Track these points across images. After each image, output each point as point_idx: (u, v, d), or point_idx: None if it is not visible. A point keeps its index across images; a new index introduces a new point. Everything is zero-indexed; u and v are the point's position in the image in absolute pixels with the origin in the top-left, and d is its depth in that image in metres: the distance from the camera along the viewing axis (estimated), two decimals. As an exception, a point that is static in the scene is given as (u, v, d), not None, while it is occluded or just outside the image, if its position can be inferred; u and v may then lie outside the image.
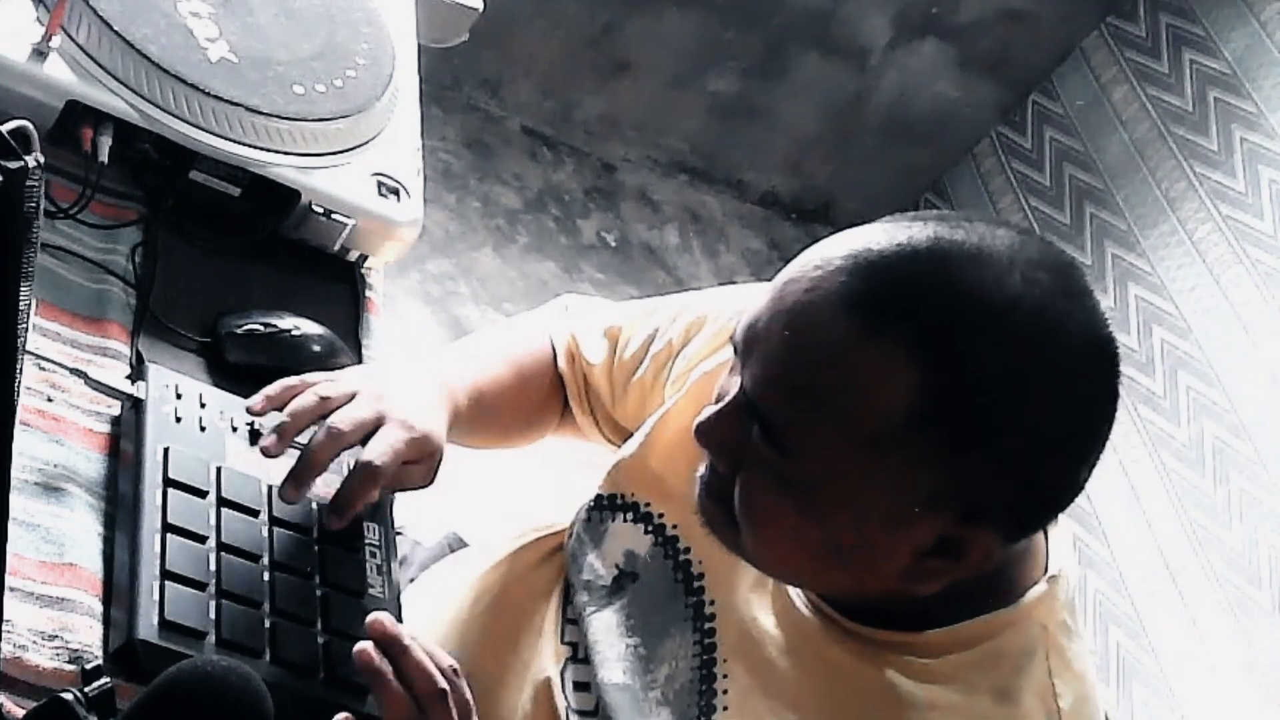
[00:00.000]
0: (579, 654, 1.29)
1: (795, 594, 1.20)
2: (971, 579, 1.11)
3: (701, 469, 1.16)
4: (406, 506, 1.39)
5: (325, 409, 1.27)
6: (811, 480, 1.07)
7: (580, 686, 1.28)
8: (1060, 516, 1.19)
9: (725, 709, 1.19)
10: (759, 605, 1.21)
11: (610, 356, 1.43)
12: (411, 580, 1.50)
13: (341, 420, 1.26)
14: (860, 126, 3.60)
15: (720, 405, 1.12)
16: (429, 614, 1.35)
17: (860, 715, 1.14)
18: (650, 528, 1.30)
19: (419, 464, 1.29)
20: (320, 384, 1.29)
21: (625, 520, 1.32)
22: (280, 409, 1.27)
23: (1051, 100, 3.46)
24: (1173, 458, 2.88)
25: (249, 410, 1.28)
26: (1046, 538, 1.18)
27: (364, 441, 1.26)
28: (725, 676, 1.20)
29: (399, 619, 1.25)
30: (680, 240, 3.49)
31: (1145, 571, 2.86)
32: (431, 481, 1.31)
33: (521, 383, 1.44)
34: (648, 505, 1.31)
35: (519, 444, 1.51)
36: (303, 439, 1.26)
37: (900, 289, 1.04)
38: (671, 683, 1.22)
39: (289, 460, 1.29)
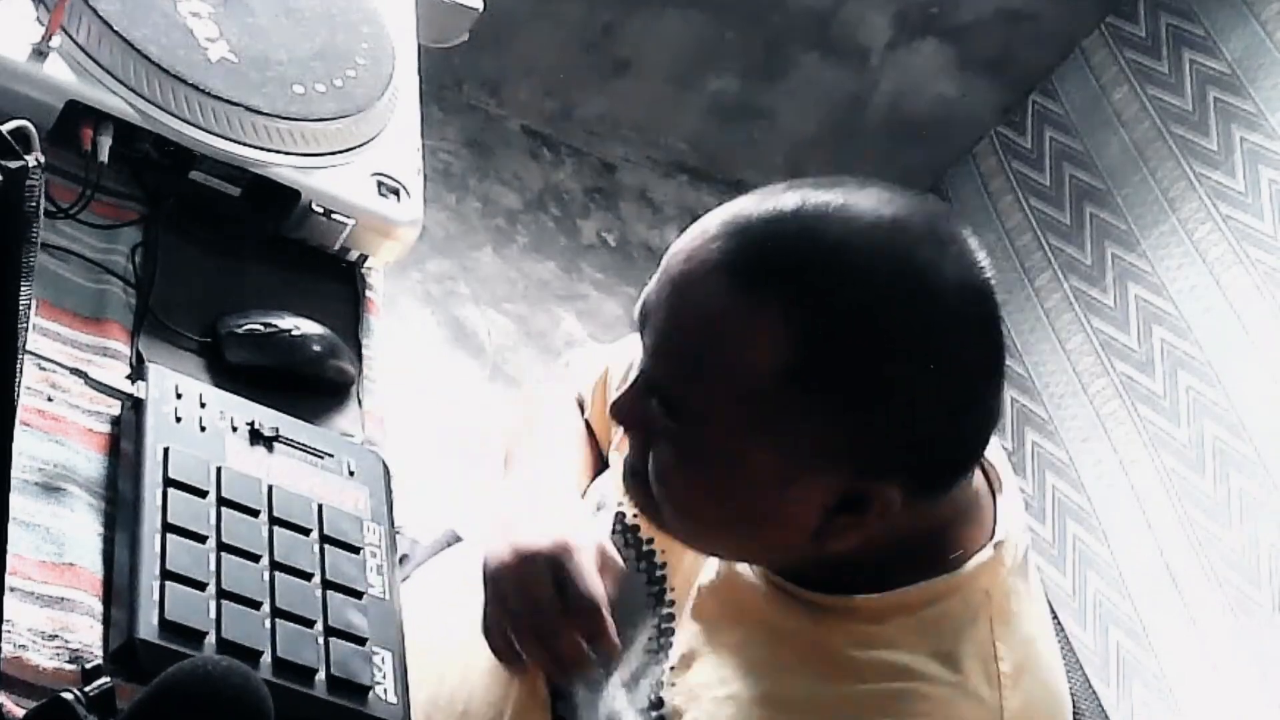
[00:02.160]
0: None
1: (745, 564, 1.21)
2: (912, 545, 1.13)
3: (625, 453, 1.18)
4: (406, 506, 1.39)
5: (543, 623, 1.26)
6: (707, 446, 1.10)
7: None
8: (1009, 483, 1.21)
9: (673, 684, 1.19)
10: (708, 579, 1.23)
11: (601, 400, 1.45)
12: (405, 579, 1.50)
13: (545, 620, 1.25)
14: (860, 126, 3.60)
15: (627, 383, 1.15)
16: (422, 606, 1.35)
17: (806, 681, 1.15)
18: (615, 519, 1.31)
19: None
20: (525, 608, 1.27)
21: (599, 513, 1.33)
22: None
23: (1051, 100, 3.46)
24: (1173, 458, 2.88)
25: None
26: (995, 504, 1.19)
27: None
28: (681, 654, 1.21)
29: (399, 620, 1.25)
30: (680, 240, 3.48)
31: (1145, 571, 2.86)
32: None
33: (590, 446, 1.46)
34: (616, 499, 1.32)
35: None
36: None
37: (768, 249, 1.07)
38: (629, 666, 1.23)
39: (289, 461, 1.29)
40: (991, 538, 1.16)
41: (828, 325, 1.05)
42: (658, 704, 1.19)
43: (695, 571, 1.25)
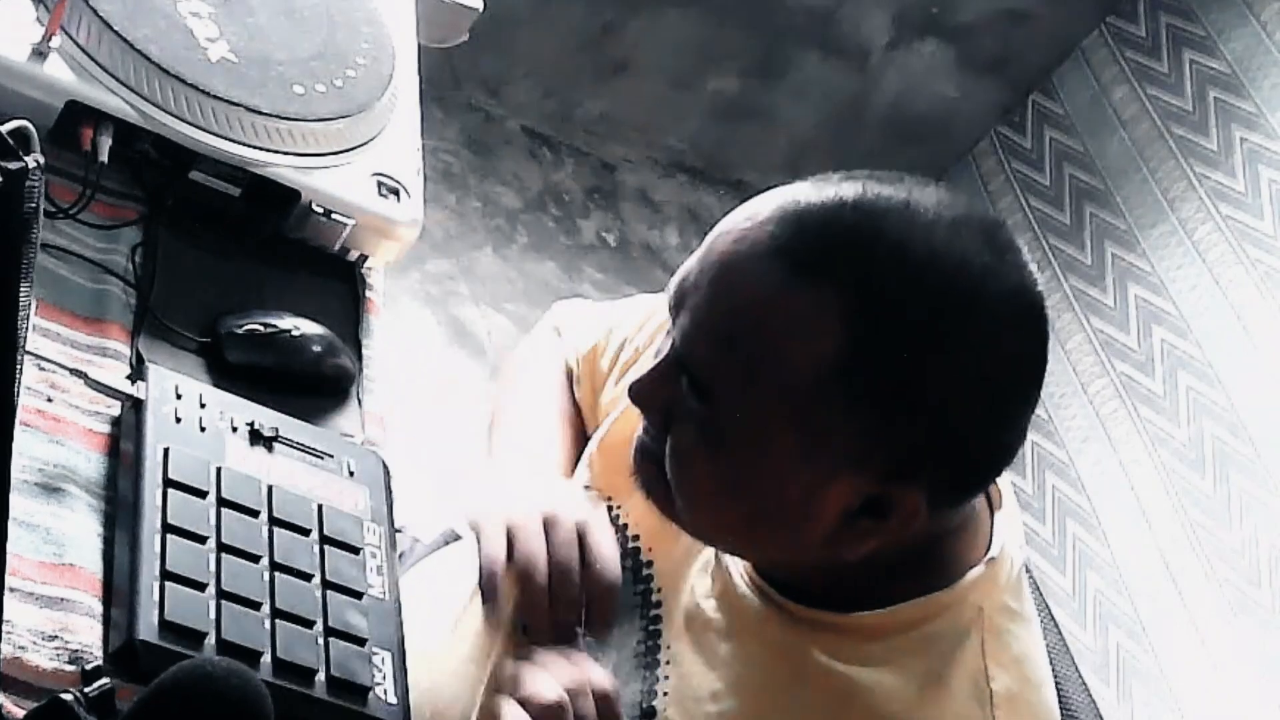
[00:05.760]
0: None
1: (738, 576, 1.19)
2: (908, 558, 1.11)
3: (638, 432, 1.16)
4: (406, 504, 1.39)
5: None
6: (736, 432, 1.07)
7: None
8: (1008, 499, 1.19)
9: (666, 694, 1.18)
10: (702, 590, 1.21)
11: (589, 379, 1.44)
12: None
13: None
14: (860, 126, 3.60)
15: (653, 362, 1.12)
16: (415, 608, 1.35)
17: (796, 697, 1.14)
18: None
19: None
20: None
21: None
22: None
23: (1051, 100, 3.46)
24: (1173, 458, 2.88)
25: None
26: (992, 520, 1.17)
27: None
28: (668, 663, 1.20)
29: (399, 620, 1.25)
30: (680, 240, 3.49)
31: (1145, 571, 2.86)
32: None
33: (577, 429, 1.45)
34: (605, 497, 1.31)
35: None
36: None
37: (825, 240, 1.04)
38: (617, 671, 1.22)
39: (289, 461, 1.29)
40: (987, 553, 1.14)
41: (881, 322, 1.03)
42: (649, 714, 1.18)
43: (681, 574, 1.24)
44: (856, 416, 1.04)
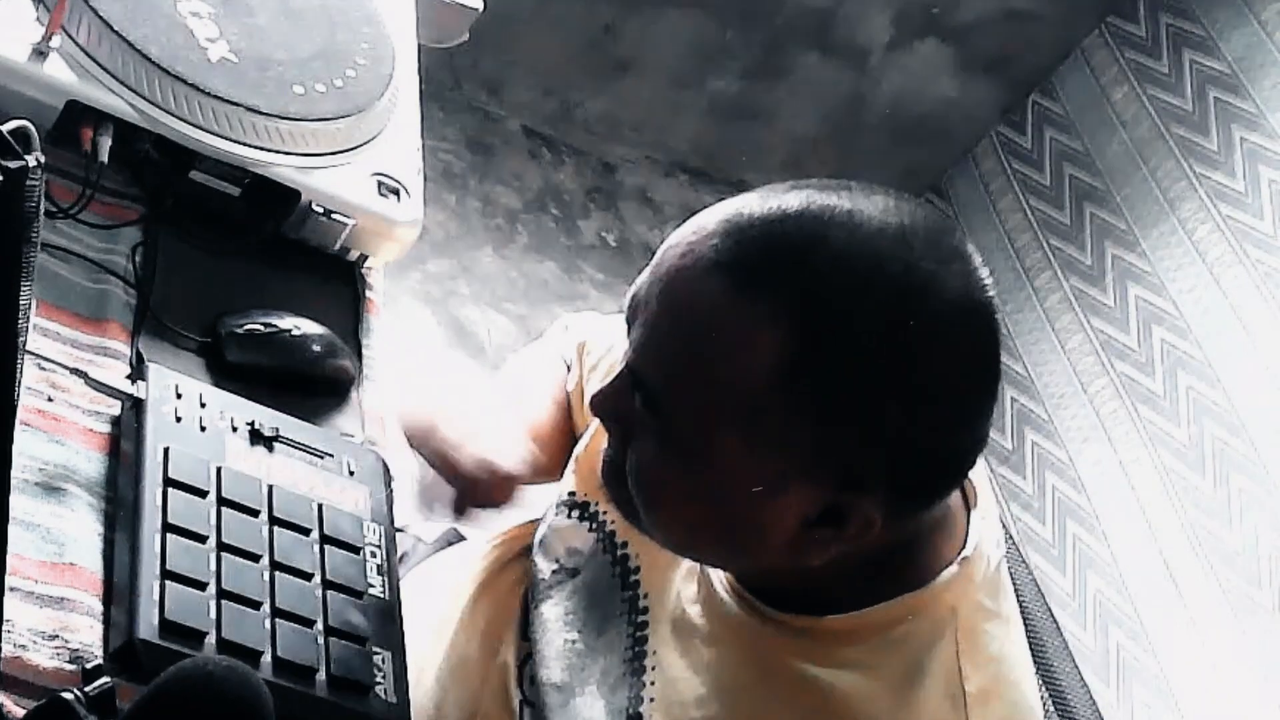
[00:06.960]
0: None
1: (719, 583, 1.19)
2: (881, 560, 1.11)
3: (605, 447, 1.16)
4: (406, 504, 1.39)
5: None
6: (689, 445, 1.07)
7: (534, 680, 1.29)
8: (984, 497, 1.18)
9: (652, 700, 1.19)
10: (687, 595, 1.22)
11: (579, 375, 1.44)
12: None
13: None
14: (860, 126, 3.60)
15: (611, 376, 1.13)
16: (416, 609, 1.35)
17: (775, 703, 1.14)
18: (593, 524, 1.31)
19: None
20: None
21: (571, 517, 1.33)
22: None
23: (1051, 100, 3.46)
24: (1173, 458, 2.88)
25: None
26: (968, 520, 1.16)
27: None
28: (654, 669, 1.20)
29: (399, 620, 1.25)
30: (680, 240, 3.48)
31: (1145, 571, 2.86)
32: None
33: (563, 414, 1.45)
34: (591, 501, 1.32)
35: None
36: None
37: (768, 250, 1.04)
38: (606, 676, 1.23)
39: (289, 461, 1.29)
40: (961, 552, 1.14)
41: (823, 333, 1.02)
42: (636, 719, 1.19)
43: (668, 580, 1.24)
44: (803, 427, 1.04)
